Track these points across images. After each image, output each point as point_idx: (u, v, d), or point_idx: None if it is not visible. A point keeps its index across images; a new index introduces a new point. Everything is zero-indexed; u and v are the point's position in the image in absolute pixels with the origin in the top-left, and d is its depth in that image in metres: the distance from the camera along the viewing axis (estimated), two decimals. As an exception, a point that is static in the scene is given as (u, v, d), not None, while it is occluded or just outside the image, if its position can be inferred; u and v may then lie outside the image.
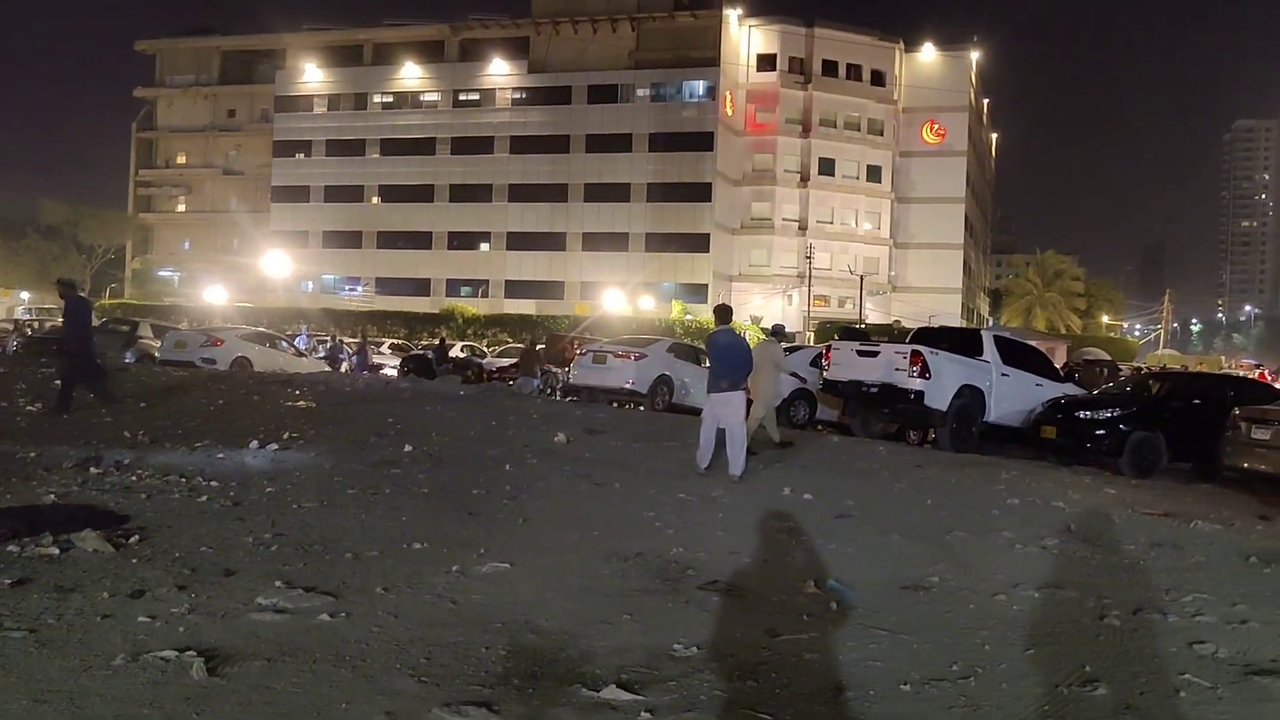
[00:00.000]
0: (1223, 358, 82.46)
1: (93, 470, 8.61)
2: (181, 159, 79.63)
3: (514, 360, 31.04)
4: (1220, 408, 14.33)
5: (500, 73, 69.00)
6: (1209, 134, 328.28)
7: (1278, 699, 4.79)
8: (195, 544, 6.47)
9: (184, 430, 11.42)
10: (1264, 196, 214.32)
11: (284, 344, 26.63)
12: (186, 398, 14.47)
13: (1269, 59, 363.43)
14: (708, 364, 22.39)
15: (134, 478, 8.42)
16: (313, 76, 72.88)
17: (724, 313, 11.37)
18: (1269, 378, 35.21)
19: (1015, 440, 16.85)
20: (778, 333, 15.06)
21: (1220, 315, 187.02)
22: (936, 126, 71.03)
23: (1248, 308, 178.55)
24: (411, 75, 70.89)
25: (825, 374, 17.20)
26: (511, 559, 6.60)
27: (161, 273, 74.82)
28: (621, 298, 59.35)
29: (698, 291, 62.80)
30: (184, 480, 8.43)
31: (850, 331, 26.24)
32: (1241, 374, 34.88)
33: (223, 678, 4.35)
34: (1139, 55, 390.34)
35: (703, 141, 64.57)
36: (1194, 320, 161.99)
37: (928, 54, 71.90)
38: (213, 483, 8.38)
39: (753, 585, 6.45)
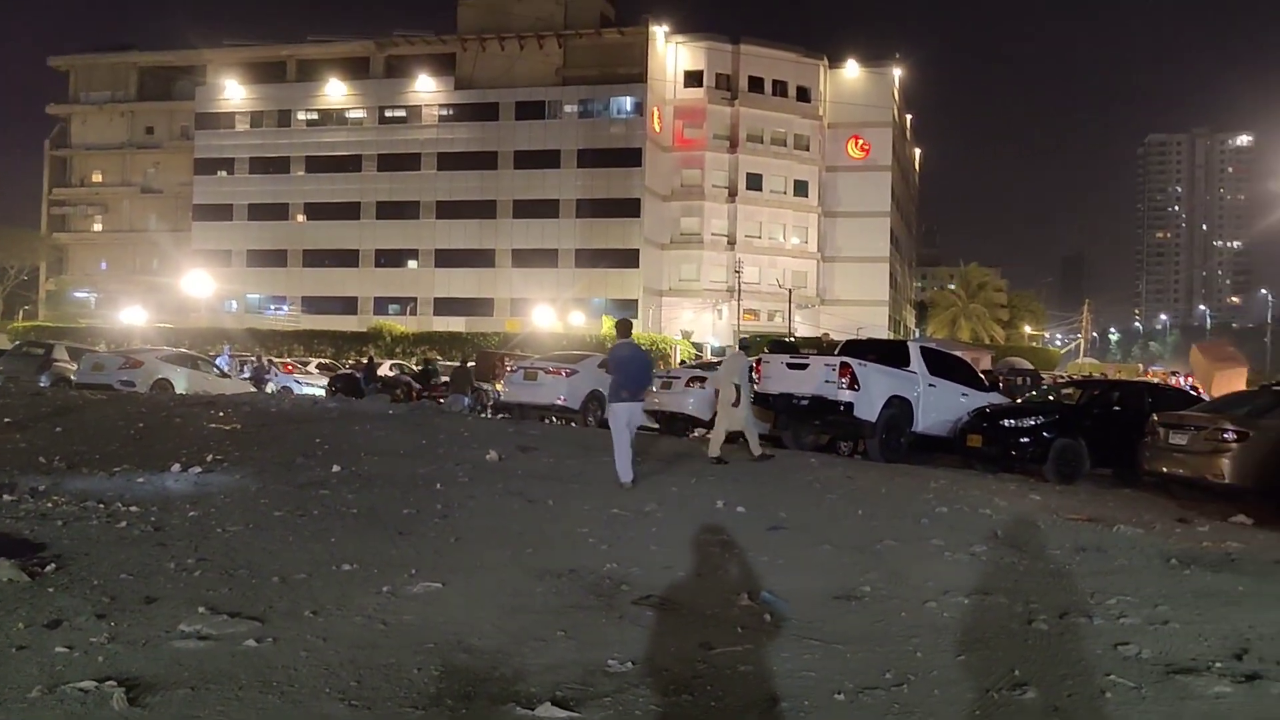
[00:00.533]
0: (1140, 365, 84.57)
1: (6, 497, 8.35)
2: (97, 177, 78.01)
3: (445, 378, 30.79)
4: (1139, 414, 14.65)
5: (427, 89, 68.73)
6: (1123, 149, 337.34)
7: (1198, 697, 4.90)
8: (115, 571, 6.29)
9: (102, 455, 11.12)
10: (1176, 208, 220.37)
11: (207, 365, 26.16)
12: (105, 421, 14.10)
13: (1179, 75, 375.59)
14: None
15: (50, 504, 8.18)
16: (235, 93, 71.90)
17: (624, 326, 12.10)
18: (1183, 384, 36.12)
19: (943, 449, 17.08)
20: (745, 345, 15.35)
21: (1137, 324, 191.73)
22: (861, 142, 72.13)
23: (1163, 316, 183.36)
24: (336, 92, 70.30)
25: (756, 387, 17.31)
26: (443, 578, 6.52)
27: (77, 294, 73.05)
28: (552, 314, 59.29)
29: (628, 306, 62.96)
30: (102, 506, 8.20)
31: (780, 344, 26.46)
32: (1158, 381, 35.80)
33: (144, 708, 4.23)
34: (1056, 71, 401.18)
35: (631, 157, 64.88)
36: (1112, 329, 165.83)
37: (851, 70, 73.08)
38: (132, 508, 8.17)
39: (687, 599, 6.44)
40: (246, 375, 31.87)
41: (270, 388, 31.74)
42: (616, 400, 11.53)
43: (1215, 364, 32.26)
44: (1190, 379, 37.35)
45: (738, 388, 14.14)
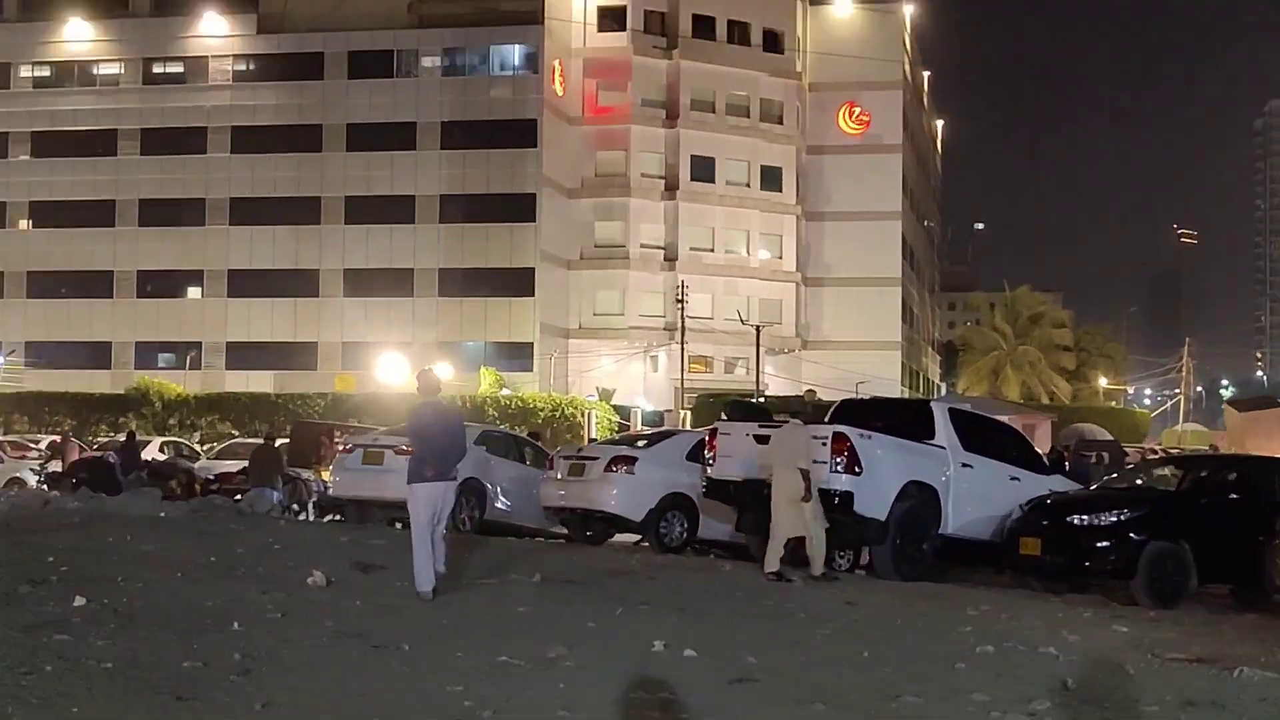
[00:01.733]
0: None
1: None
2: None
3: (243, 464, 30.44)
4: (1269, 505, 14.88)
5: (216, 33, 68.51)
6: (1234, 122, 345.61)
7: None
8: None
9: None
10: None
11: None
12: None
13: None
14: (533, 461, 22.45)
15: None
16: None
17: (429, 382, 13.04)
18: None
19: (985, 560, 17.20)
20: (799, 411, 15.46)
21: (1260, 373, 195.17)
22: (858, 111, 73.28)
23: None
24: (80, 37, 69.70)
25: (710, 470, 17.32)
26: (245, 767, 6.42)
27: None
28: (405, 365, 58.89)
29: (519, 353, 62.94)
30: None
31: (744, 407, 26.55)
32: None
33: None
34: (1138, 12, 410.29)
35: (521, 134, 65.21)
36: (1224, 381, 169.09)
37: (843, 8, 74.45)
38: None
39: (613, 789, 6.41)
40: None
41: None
42: (417, 480, 12.29)
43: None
44: None
45: (805, 474, 14.54)
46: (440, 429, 12.62)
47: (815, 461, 15.91)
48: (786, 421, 17.46)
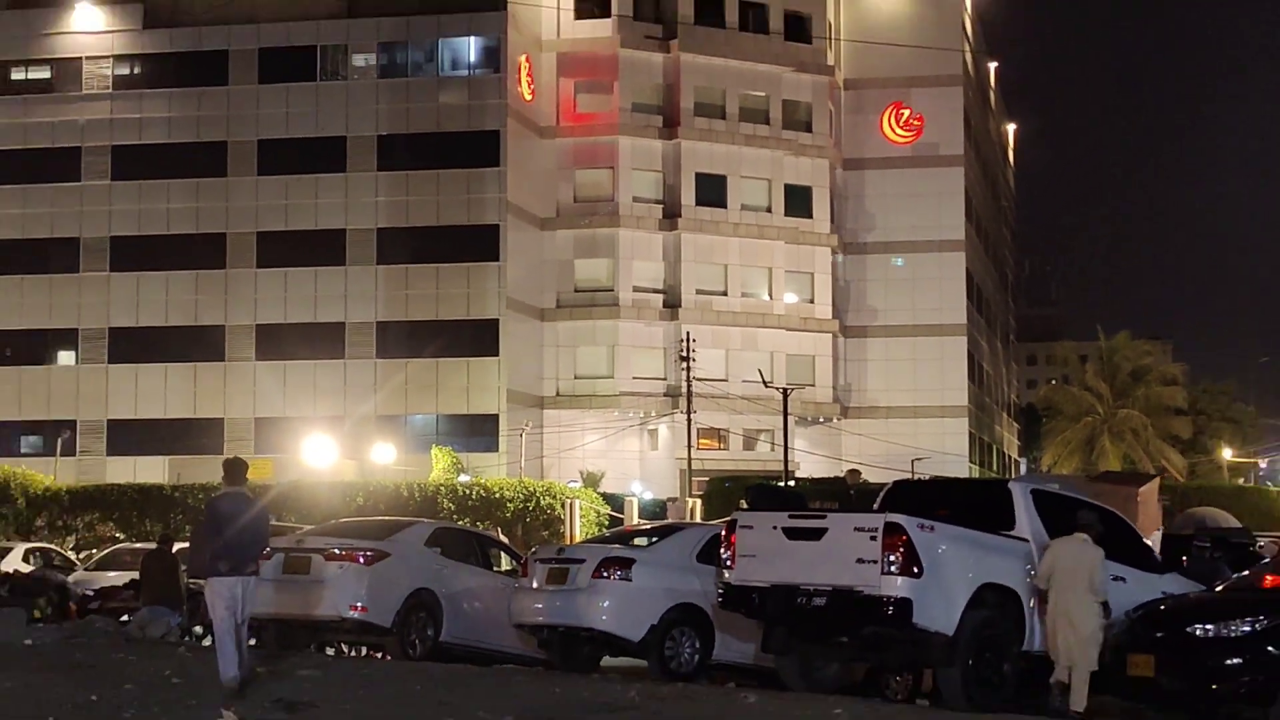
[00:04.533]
0: None
1: None
2: None
3: (132, 575, 30.39)
4: None
5: (92, 27, 68.89)
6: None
7: None
8: None
9: None
10: None
11: None
12: None
13: None
14: (504, 565, 22.40)
15: None
16: None
17: (234, 470, 15.49)
18: None
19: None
20: (1088, 525, 15.96)
21: None
22: (907, 114, 73.78)
23: None
24: (-82, 34, 70.10)
25: (728, 575, 17.29)
26: None
27: None
28: (333, 447, 58.94)
29: (481, 428, 63.14)
30: None
31: (769, 492, 26.56)
32: None
33: None
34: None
35: (480, 149, 65.57)
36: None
37: (886, -17, 74.99)
38: None
39: None
40: None
41: None
42: (213, 574, 14.87)
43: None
44: None
45: (1106, 607, 15.43)
46: (240, 521, 14.85)
47: (858, 562, 15.91)
48: (830, 508, 17.46)
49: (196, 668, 16.10)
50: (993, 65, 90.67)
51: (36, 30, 69.30)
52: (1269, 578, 18.96)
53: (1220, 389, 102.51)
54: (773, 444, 65.47)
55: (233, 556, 14.69)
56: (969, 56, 77.85)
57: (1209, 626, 15.90)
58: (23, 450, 65.16)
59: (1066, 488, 24.03)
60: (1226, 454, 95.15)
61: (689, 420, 63.68)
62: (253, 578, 15.13)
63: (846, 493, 26.45)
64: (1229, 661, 15.49)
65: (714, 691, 16.77)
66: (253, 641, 21.30)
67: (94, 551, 43.22)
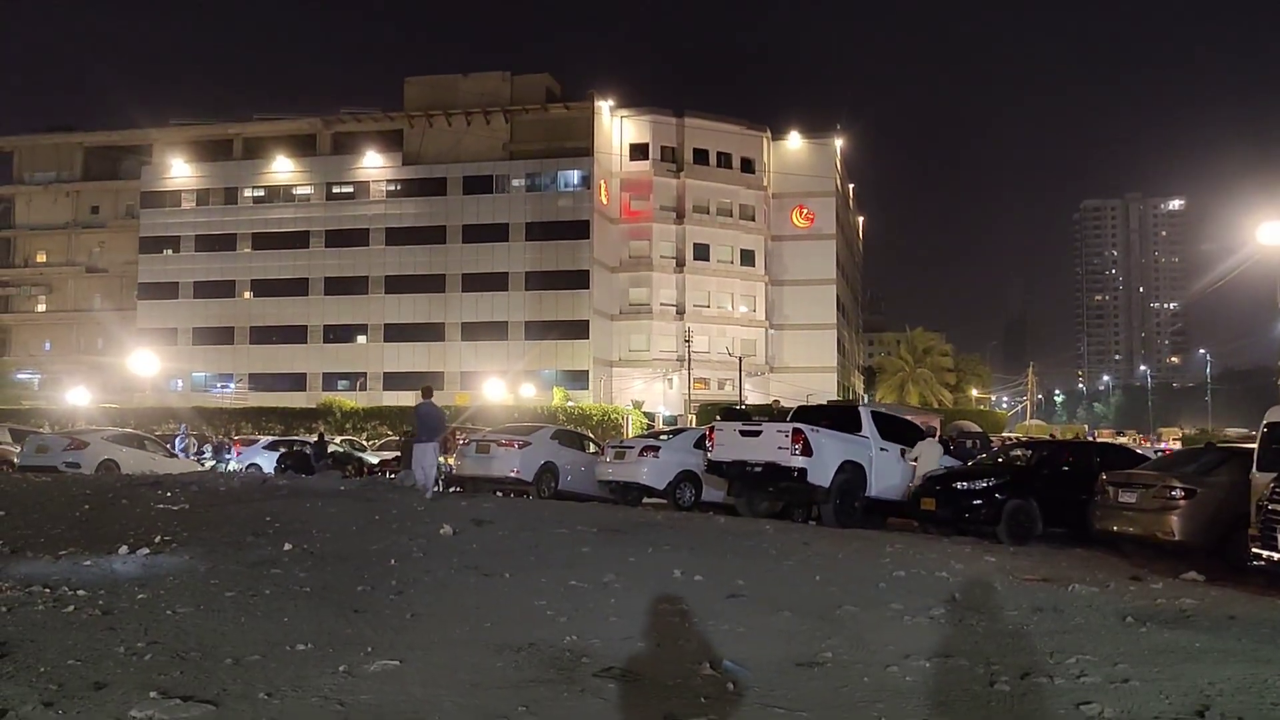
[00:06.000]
0: (1085, 426, 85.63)
1: (-53, 585, 8.10)
2: (41, 257, 77.12)
3: (396, 455, 30.48)
4: (1088, 474, 14.85)
5: (374, 165, 68.95)
6: (1060, 214, 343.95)
7: (1163, 754, 4.92)
8: (62, 657, 6.10)
9: (47, 538, 10.85)
10: (1114, 271, 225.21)
11: (154, 444, 25.69)
12: (49, 504, 13.78)
13: (1111, 142, 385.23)
14: (593, 449, 22.40)
15: (-7, 591, 7.94)
16: (181, 171, 71.63)
17: (427, 391, 18.60)
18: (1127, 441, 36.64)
19: (897, 514, 17.15)
20: (929, 432, 18.03)
21: (1081, 385, 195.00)
22: (805, 211, 73.24)
23: (1105, 377, 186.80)
24: (283, 169, 70.28)
25: (709, 455, 17.31)
26: (400, 656, 6.40)
27: (20, 375, 71.66)
28: (502, 386, 59.06)
29: (579, 378, 62.94)
30: (48, 590, 7.97)
31: (732, 412, 26.52)
32: (1104, 440, 36.22)
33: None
34: (994, 139, 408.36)
35: (579, 229, 65.33)
36: (1057, 391, 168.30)
37: (794, 142, 74.37)
38: (79, 591, 7.95)
39: (648, 670, 6.37)
40: (207, 455, 31.47)
41: (233, 466, 31.38)
42: (419, 442, 17.84)
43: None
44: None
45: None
46: (431, 417, 17.78)
47: (779, 449, 15.90)
48: (764, 421, 17.35)
49: (431, 501, 16.15)
50: (851, 186, 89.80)
51: (346, 166, 69.49)
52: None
53: (971, 358, 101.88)
54: (734, 386, 65.26)
55: (428, 433, 17.44)
56: (838, 180, 77.22)
57: (964, 484, 15.90)
58: (339, 388, 65.45)
59: (892, 410, 23.83)
60: (974, 393, 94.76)
61: (689, 373, 63.62)
62: (437, 443, 17.92)
63: (773, 414, 26.33)
64: (974, 502, 15.50)
65: (702, 517, 16.76)
66: (457, 489, 21.45)
67: (376, 441, 43.53)
